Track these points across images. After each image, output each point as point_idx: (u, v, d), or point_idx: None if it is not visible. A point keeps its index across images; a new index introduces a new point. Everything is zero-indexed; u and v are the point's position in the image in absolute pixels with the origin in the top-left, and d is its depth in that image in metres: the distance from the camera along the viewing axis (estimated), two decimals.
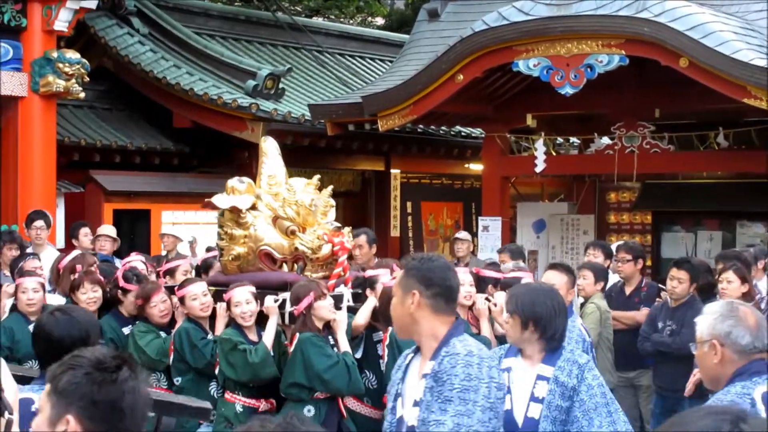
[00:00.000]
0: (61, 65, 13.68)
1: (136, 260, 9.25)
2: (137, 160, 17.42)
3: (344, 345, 7.51)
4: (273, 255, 8.21)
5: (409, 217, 20.10)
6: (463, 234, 14.30)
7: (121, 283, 8.51)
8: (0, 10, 13.60)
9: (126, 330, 8.29)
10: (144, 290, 8.21)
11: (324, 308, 7.44)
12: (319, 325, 7.45)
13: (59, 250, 12.02)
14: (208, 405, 6.04)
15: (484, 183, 16.89)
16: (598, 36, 13.33)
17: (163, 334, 8.17)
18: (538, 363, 5.21)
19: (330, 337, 7.55)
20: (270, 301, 7.69)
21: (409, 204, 20.15)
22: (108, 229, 12.74)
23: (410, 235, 19.94)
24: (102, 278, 8.60)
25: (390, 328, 7.74)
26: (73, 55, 13.93)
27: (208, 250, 11.26)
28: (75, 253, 9.80)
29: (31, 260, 9.55)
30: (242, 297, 7.73)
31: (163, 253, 13.14)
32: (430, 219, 20.45)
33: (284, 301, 7.69)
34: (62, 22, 13.81)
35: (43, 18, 13.85)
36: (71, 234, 12.62)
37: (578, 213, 17.80)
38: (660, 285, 10.83)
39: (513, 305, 5.27)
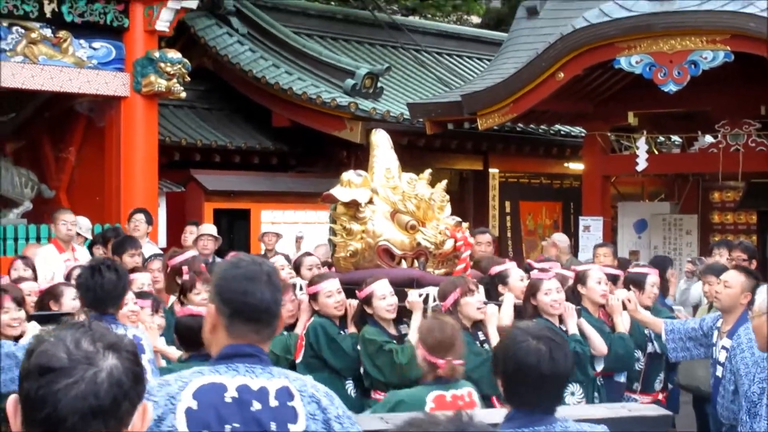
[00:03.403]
0: (162, 65, 13.77)
1: None
2: (237, 160, 17.55)
3: (496, 339, 6.99)
4: (392, 251, 7.86)
5: (508, 217, 19.94)
6: (562, 238, 13.80)
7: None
8: (103, 11, 13.76)
9: None
10: None
11: (471, 305, 7.09)
12: (467, 322, 7.07)
13: (161, 249, 12.09)
14: (667, 412, 4.90)
15: (584, 182, 16.74)
16: (702, 32, 13.10)
17: (284, 332, 7.83)
18: None
19: (479, 332, 7.18)
20: (414, 296, 7.35)
21: (507, 203, 19.99)
22: (209, 228, 12.75)
23: (509, 235, 19.78)
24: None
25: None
26: (174, 54, 14.01)
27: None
28: (189, 254, 9.79)
29: (156, 261, 9.50)
30: (387, 290, 7.36)
31: (263, 252, 13.16)
32: (529, 219, 20.27)
33: (427, 296, 7.41)
34: (163, 22, 13.92)
35: (144, 18, 13.98)
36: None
37: (681, 213, 17.53)
38: None
39: (757, 303, 4.69)
